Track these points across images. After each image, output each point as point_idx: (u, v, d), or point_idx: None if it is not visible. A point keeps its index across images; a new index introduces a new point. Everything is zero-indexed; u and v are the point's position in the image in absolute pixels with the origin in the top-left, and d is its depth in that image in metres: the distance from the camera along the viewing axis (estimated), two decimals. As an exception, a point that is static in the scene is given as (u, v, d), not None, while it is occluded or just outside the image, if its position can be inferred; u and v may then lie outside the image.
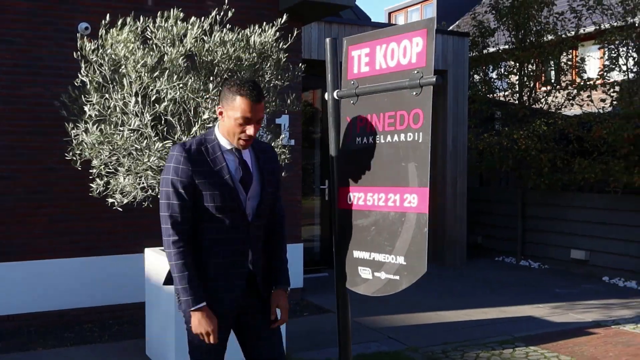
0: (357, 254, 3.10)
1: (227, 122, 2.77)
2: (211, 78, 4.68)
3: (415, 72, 2.83)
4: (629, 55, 8.86)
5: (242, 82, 2.75)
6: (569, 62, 10.29)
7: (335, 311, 3.32)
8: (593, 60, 11.32)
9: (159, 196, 2.81)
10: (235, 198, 2.78)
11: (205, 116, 4.56)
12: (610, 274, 9.10)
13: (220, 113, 2.81)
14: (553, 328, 6.37)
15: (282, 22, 5.03)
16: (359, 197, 3.10)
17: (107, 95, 4.67)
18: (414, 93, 2.86)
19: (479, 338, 5.93)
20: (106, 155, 4.69)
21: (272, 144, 5.09)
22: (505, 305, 7.30)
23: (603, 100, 9.30)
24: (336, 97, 3.22)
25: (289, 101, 5.21)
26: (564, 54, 10.27)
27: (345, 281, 3.19)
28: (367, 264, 3.04)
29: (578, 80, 10.14)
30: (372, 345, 5.69)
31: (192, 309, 2.72)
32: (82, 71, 4.68)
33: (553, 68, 10.66)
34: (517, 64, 10.34)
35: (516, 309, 7.15)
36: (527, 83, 10.34)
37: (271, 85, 5.05)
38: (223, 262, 2.81)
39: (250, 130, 2.74)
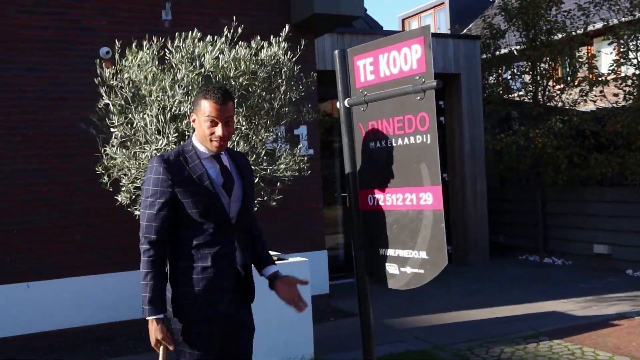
0: (382, 251, 3.27)
1: (199, 127, 2.88)
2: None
3: (417, 77, 3.00)
4: (639, 49, 8.92)
5: (207, 87, 2.90)
6: (580, 59, 10.36)
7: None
8: (605, 56, 11.37)
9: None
10: (217, 202, 2.86)
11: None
12: (633, 267, 9.11)
13: (194, 121, 2.92)
14: (577, 322, 6.44)
15: (287, 33, 5.19)
16: (378, 198, 3.28)
17: (130, 116, 4.88)
18: (418, 98, 3.02)
19: (504, 334, 6.02)
20: (133, 173, 4.90)
21: (291, 154, 5.27)
22: (530, 302, 7.38)
23: (616, 95, 9.36)
24: (347, 105, 3.40)
25: (304, 111, 5.39)
26: (576, 51, 10.35)
27: (365, 279, 3.36)
28: (393, 260, 3.22)
29: (591, 76, 10.21)
30: (399, 345, 5.81)
31: (147, 317, 2.80)
32: (103, 96, 4.90)
33: (566, 65, 10.73)
34: (530, 63, 10.44)
35: (540, 305, 7.23)
36: (540, 82, 10.43)
37: (287, 97, 5.24)
38: (210, 265, 2.85)
39: (219, 130, 2.83)
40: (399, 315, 6.90)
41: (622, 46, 9.10)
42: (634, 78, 9.01)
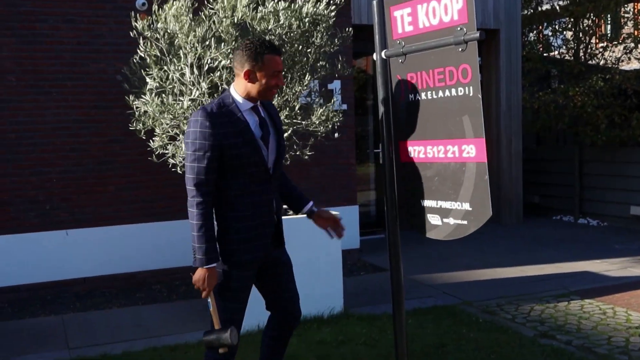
0: (423, 202, 3.27)
1: (259, 81, 2.96)
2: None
3: (459, 28, 2.92)
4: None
5: (262, 41, 2.97)
6: (626, 15, 10.00)
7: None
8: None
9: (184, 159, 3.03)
10: (259, 154, 2.97)
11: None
12: (671, 230, 8.96)
13: (247, 75, 2.95)
14: (610, 282, 6.38)
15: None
16: (419, 150, 3.25)
17: (165, 68, 4.90)
18: (460, 49, 2.95)
19: (534, 292, 6.01)
20: (167, 124, 4.94)
21: (324, 108, 5.25)
22: (562, 262, 7.33)
23: (662, 53, 9.07)
24: (384, 57, 3.34)
25: (339, 66, 5.33)
26: (622, 7, 9.99)
27: (397, 234, 3.36)
28: (435, 212, 3.21)
29: (636, 33, 9.87)
30: (428, 300, 5.85)
31: (204, 267, 2.88)
32: (140, 47, 4.91)
33: (609, 22, 10.39)
34: (572, 20, 10.13)
35: (573, 265, 7.17)
36: (582, 39, 10.13)
37: (322, 50, 5.19)
38: (251, 214, 2.99)
39: (281, 80, 3.02)
40: (428, 271, 6.93)
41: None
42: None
